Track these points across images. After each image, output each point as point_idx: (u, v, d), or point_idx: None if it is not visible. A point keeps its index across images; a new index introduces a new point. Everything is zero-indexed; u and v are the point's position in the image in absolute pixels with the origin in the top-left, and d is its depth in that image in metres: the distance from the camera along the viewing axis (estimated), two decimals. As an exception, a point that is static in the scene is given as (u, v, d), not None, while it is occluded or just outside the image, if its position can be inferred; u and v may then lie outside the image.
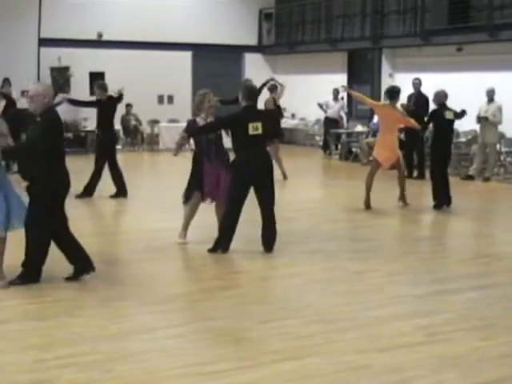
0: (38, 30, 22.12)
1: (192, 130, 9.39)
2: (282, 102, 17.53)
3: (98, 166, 13.47)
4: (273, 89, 16.43)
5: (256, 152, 9.10)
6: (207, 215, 9.89)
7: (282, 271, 8.52)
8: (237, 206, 9.16)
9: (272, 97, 16.28)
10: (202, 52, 24.90)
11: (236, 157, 9.16)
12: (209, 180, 9.40)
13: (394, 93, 12.76)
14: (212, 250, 9.20)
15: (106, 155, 13.51)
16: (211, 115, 9.44)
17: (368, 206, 12.54)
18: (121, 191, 13.48)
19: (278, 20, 26.13)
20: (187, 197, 9.62)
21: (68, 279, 7.72)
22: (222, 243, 9.19)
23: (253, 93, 9.44)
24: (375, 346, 6.03)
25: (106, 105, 13.49)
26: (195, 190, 9.51)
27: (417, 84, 17.23)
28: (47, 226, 7.54)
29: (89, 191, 13.37)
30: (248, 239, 9.57)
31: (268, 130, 9.35)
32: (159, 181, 16.26)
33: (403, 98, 18.04)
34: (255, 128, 9.02)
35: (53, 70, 21.94)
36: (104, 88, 13.50)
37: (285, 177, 16.13)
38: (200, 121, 9.43)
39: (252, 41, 26.17)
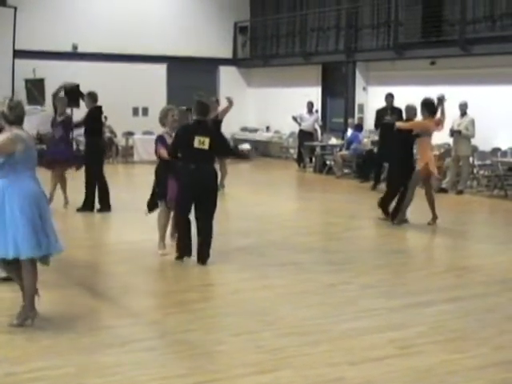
0: (13, 41, 21.96)
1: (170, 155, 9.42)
2: (257, 117, 17.45)
3: (98, 176, 13.36)
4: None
5: (200, 166, 9.07)
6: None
7: (254, 284, 8.51)
8: (183, 215, 9.30)
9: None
10: (177, 65, 24.93)
11: (181, 168, 9.19)
12: (173, 190, 9.46)
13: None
14: (178, 258, 9.38)
15: (94, 164, 13.34)
16: (175, 129, 9.55)
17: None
18: (88, 205, 13.28)
19: (253, 33, 26.24)
20: (151, 207, 9.83)
21: None
22: (182, 249, 9.35)
23: (205, 108, 9.49)
24: (347, 358, 6.05)
25: (95, 114, 13.43)
26: (160, 200, 9.63)
27: (389, 99, 17.33)
28: None
29: (105, 205, 13.27)
30: (219, 252, 9.58)
31: (216, 146, 9.34)
32: (134, 193, 16.19)
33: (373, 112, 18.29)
34: (201, 142, 9.05)
35: (27, 81, 21.85)
36: (94, 98, 13.39)
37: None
38: (166, 136, 9.57)
39: (227, 54, 26.24)
